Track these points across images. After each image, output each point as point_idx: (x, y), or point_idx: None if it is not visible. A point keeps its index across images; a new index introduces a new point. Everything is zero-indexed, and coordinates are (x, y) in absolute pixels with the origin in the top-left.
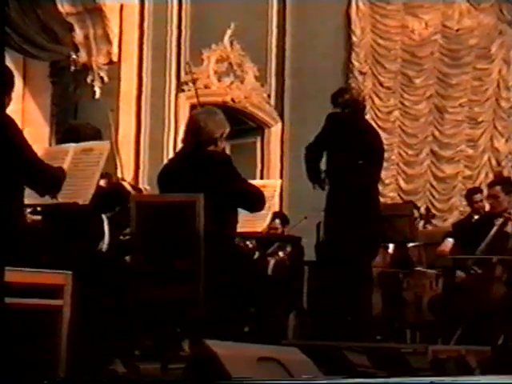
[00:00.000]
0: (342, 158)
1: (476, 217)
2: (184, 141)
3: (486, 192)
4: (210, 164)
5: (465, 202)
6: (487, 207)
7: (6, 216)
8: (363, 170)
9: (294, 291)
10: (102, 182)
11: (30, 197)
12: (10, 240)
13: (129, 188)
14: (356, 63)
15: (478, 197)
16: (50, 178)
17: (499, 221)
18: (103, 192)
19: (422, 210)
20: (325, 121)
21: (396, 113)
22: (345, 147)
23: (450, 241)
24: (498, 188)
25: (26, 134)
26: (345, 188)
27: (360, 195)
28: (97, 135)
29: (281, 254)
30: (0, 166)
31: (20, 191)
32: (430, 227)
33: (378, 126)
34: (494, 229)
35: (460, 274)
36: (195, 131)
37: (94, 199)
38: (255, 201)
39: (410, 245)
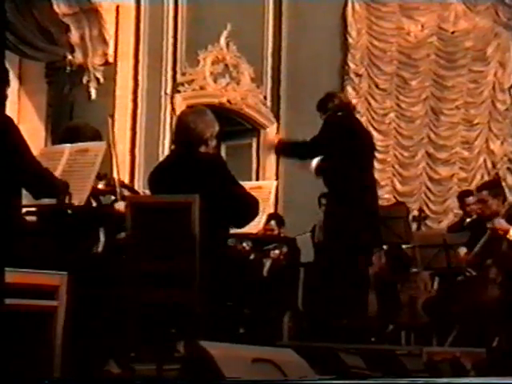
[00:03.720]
0: (339, 163)
1: (468, 220)
2: (174, 142)
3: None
4: (202, 166)
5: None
6: (478, 211)
7: (4, 216)
8: (359, 174)
9: (289, 292)
10: (101, 184)
11: (24, 198)
12: (8, 241)
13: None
14: (352, 65)
15: (469, 200)
16: (46, 182)
17: (491, 224)
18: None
19: (415, 212)
20: (324, 125)
21: (392, 115)
22: (342, 152)
23: (463, 249)
24: (485, 192)
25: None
26: (342, 191)
27: (357, 198)
28: (96, 136)
29: (276, 252)
30: None
31: (18, 192)
32: (424, 229)
33: (374, 128)
34: (488, 232)
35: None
36: (185, 133)
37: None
38: (247, 210)
39: (405, 247)
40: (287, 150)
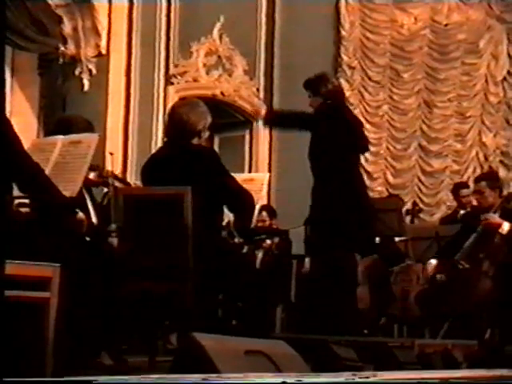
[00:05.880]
0: (327, 154)
1: (462, 212)
2: (167, 134)
3: (472, 187)
4: (194, 158)
5: (452, 197)
6: (474, 202)
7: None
8: (348, 164)
9: (281, 284)
10: (92, 175)
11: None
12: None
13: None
14: (345, 57)
15: (464, 192)
16: (35, 177)
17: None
18: None
19: (409, 204)
20: (315, 112)
21: (385, 107)
22: (331, 142)
23: (432, 262)
24: (483, 183)
25: (14, 126)
26: (329, 182)
27: (345, 189)
28: (88, 128)
29: (268, 241)
30: None
31: (10, 185)
32: (417, 222)
33: (367, 121)
34: (482, 224)
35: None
36: (178, 125)
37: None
38: (241, 201)
39: (397, 239)
40: (276, 118)
